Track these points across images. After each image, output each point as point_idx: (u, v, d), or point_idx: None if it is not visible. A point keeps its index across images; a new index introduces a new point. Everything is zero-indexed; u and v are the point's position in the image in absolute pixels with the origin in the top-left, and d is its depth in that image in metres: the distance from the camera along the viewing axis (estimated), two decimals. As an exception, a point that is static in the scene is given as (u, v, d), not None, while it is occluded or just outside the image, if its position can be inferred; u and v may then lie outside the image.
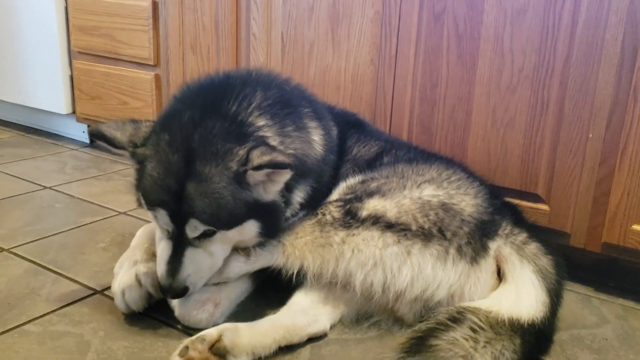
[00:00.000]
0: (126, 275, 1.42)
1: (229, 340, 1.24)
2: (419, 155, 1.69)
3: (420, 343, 1.23)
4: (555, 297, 1.42)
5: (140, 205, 1.44)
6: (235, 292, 1.48)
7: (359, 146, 1.74)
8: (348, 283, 1.41)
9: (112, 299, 1.44)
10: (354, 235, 1.41)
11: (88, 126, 2.87)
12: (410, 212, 1.44)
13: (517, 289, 1.41)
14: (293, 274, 1.43)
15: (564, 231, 1.69)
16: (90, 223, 1.98)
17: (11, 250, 1.74)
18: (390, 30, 1.84)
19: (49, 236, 1.85)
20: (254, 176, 1.30)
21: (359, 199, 1.50)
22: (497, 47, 1.68)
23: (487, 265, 1.45)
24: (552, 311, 1.40)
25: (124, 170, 2.59)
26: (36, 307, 1.44)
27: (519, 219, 1.58)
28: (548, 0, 1.57)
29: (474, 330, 1.26)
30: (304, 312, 1.40)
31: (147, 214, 1.40)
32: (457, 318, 1.29)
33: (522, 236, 1.51)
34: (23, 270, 1.62)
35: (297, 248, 1.43)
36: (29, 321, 1.38)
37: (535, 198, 1.72)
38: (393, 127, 1.91)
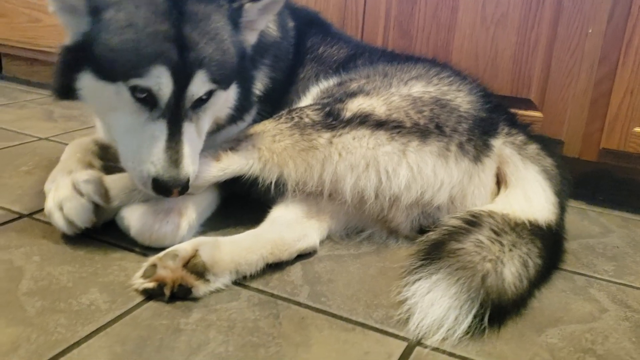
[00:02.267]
0: (62, 187, 1.11)
1: (207, 256, 1.00)
2: (398, 57, 1.49)
3: (439, 248, 1.04)
4: (563, 199, 1.28)
5: (68, 95, 1.10)
6: (202, 204, 1.22)
7: (326, 45, 1.53)
8: (336, 190, 1.19)
9: (45, 222, 1.16)
10: (341, 135, 1.19)
11: (-8, 52, 2.45)
12: (401, 108, 1.24)
13: (525, 191, 1.24)
14: (271, 183, 1.19)
15: (558, 139, 1.55)
16: (7, 147, 1.64)
17: None
18: None
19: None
20: (250, 12, 1.14)
21: (339, 100, 1.28)
22: None
23: (491, 165, 1.28)
24: (562, 214, 1.25)
25: (40, 99, 2.22)
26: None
27: (513, 122, 1.41)
28: None
29: (496, 233, 1.08)
30: (290, 226, 1.17)
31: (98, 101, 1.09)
32: (474, 221, 1.11)
33: (521, 136, 1.34)
34: None
35: (276, 153, 1.19)
36: (-63, 248, 1.07)
37: (528, 104, 1.56)
38: (366, 32, 1.69)
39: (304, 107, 1.28)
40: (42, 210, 1.20)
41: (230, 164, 1.18)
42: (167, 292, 0.96)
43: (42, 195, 1.22)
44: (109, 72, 1.03)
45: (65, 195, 1.10)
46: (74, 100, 1.12)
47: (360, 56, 1.49)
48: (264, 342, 0.88)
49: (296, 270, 1.11)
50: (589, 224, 1.46)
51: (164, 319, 0.92)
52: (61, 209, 1.10)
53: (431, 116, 1.23)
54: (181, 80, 1.02)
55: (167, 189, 1.03)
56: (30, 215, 1.23)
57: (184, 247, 1.00)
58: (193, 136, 1.08)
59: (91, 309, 0.92)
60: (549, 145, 1.41)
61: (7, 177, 1.42)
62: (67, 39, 1.10)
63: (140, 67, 1.00)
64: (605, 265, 1.24)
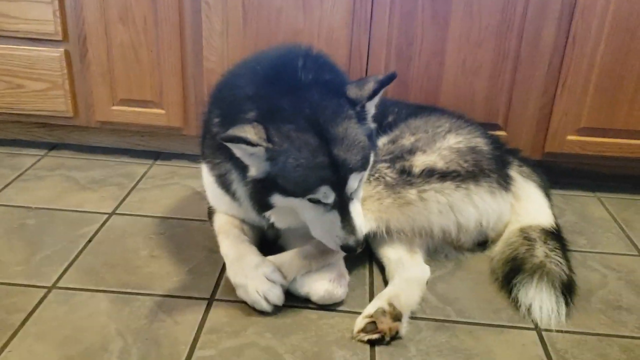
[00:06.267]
0: (258, 281, 1.50)
1: (399, 306, 1.46)
2: (415, 110, 1.97)
3: (525, 263, 1.61)
4: (550, 197, 1.93)
5: (266, 208, 1.48)
6: (341, 260, 1.63)
7: None
8: (429, 231, 1.69)
9: (231, 301, 1.53)
10: (425, 190, 1.67)
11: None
12: (453, 160, 1.74)
13: (533, 203, 1.87)
14: (382, 232, 1.65)
15: (517, 148, 2.18)
16: (95, 234, 1.83)
17: (60, 287, 1.56)
18: (364, -5, 2.01)
19: (74, 260, 1.68)
20: (369, 107, 1.48)
21: (401, 157, 1.73)
22: (467, 8, 2.00)
23: (513, 190, 1.87)
24: (553, 211, 1.90)
25: (39, 164, 2.29)
26: (181, 336, 1.42)
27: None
28: (509, -33, 1.94)
29: (545, 243, 1.68)
30: (413, 267, 1.64)
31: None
32: (530, 237, 1.70)
33: (516, 161, 1.96)
34: (108, 302, 1.51)
35: (383, 212, 1.64)
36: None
37: (496, 127, 2.17)
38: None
39: (378, 166, 1.72)
40: (215, 290, 1.57)
41: (366, 227, 1.60)
42: (387, 338, 1.42)
43: (193, 275, 1.62)
44: (292, 193, 1.42)
45: (265, 287, 1.49)
46: (270, 210, 1.49)
47: (388, 112, 1.95)
48: (462, 349, 1.40)
49: (431, 297, 1.61)
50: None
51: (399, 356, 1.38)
52: (266, 298, 1.48)
53: (474, 162, 1.76)
54: (340, 187, 1.42)
55: (353, 250, 1.46)
56: (213, 298, 1.55)
57: (385, 305, 1.45)
58: (357, 207, 1.48)
59: (355, 363, 1.36)
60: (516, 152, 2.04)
61: (144, 266, 1.67)
62: (252, 173, 1.43)
63: (311, 189, 1.40)
64: (580, 240, 1.93)
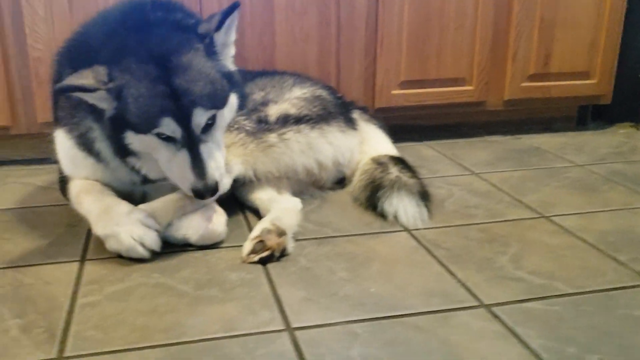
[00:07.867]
0: (131, 226, 1.43)
1: (282, 225, 1.50)
2: (259, 73, 2.07)
3: (383, 180, 1.76)
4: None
5: (125, 153, 1.46)
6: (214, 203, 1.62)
7: None
8: (293, 170, 1.77)
9: (100, 259, 1.45)
10: (283, 133, 1.76)
11: None
12: (303, 106, 1.86)
13: (378, 140, 2.05)
14: (251, 176, 1.69)
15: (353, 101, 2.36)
16: None
17: None
18: (192, -27, 2.08)
19: None
20: (218, 38, 1.50)
21: (256, 110, 1.81)
22: (288, -21, 2.17)
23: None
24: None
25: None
26: (57, 292, 1.29)
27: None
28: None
29: (396, 165, 1.85)
30: (280, 200, 1.69)
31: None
32: (383, 162, 1.85)
33: (353, 105, 2.14)
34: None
35: (249, 155, 1.69)
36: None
37: (330, 89, 2.33)
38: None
39: (236, 119, 1.75)
40: (84, 252, 1.45)
41: (232, 172, 1.63)
42: (276, 254, 1.44)
43: (55, 246, 1.52)
44: (140, 129, 1.41)
45: (140, 231, 1.43)
46: (131, 157, 1.46)
47: None
48: (346, 253, 1.48)
49: (307, 224, 1.66)
50: (387, 155, 2.35)
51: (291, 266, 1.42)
52: (142, 243, 1.42)
53: (322, 107, 1.89)
54: (185, 121, 1.41)
55: (202, 195, 1.44)
56: (84, 258, 1.45)
57: (269, 225, 1.48)
58: (212, 151, 1.46)
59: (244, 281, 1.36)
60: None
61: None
62: (107, 114, 1.42)
63: (155, 122, 1.39)
64: (422, 171, 2.10)
